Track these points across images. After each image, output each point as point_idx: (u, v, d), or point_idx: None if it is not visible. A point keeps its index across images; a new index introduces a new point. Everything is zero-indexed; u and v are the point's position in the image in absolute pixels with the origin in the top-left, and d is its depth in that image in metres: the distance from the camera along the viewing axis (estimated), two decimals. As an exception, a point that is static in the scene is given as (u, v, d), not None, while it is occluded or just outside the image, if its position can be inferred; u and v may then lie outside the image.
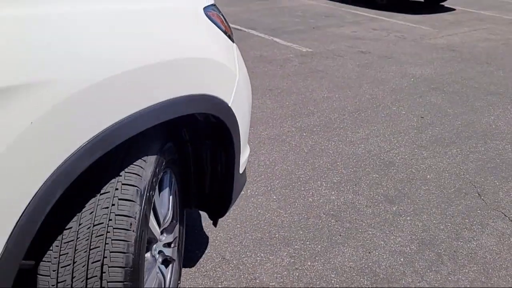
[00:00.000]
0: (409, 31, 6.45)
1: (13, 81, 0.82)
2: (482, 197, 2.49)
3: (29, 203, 0.87)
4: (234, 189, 1.65)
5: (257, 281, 1.81)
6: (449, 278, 1.89)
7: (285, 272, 1.86)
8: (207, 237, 2.04)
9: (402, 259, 1.99)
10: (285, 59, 4.76)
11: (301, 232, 2.11)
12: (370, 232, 2.15)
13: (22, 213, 0.87)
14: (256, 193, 2.39)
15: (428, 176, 2.66)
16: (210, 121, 1.46)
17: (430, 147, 3.02)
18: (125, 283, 1.06)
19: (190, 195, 1.70)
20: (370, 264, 1.95)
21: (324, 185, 2.51)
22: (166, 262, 1.51)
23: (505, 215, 2.34)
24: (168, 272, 1.51)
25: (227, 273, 1.84)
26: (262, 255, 1.96)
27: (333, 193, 2.44)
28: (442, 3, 8.97)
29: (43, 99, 0.86)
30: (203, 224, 2.13)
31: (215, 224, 1.79)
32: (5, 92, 0.80)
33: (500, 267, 1.98)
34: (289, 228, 2.14)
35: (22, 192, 0.86)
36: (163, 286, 1.45)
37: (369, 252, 2.02)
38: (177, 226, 1.61)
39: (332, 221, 2.21)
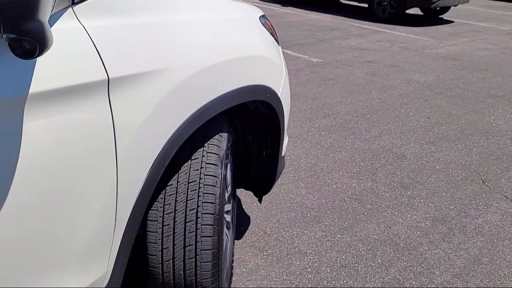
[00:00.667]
0: (411, 42, 6.82)
1: (152, 67, 1.15)
2: (486, 183, 2.80)
3: (155, 159, 1.19)
4: (278, 169, 1.97)
5: (296, 249, 2.11)
6: (460, 247, 2.20)
7: (319, 243, 2.17)
8: (249, 217, 2.35)
9: (418, 232, 2.29)
10: (298, 69, 5.11)
11: (329, 212, 2.42)
12: (389, 212, 2.45)
13: (151, 166, 1.19)
14: (286, 182, 2.71)
15: (437, 167, 2.98)
16: (259, 111, 1.78)
17: (437, 143, 3.34)
18: (213, 226, 1.37)
19: (238, 176, 2.02)
20: (391, 236, 2.25)
21: (345, 174, 2.82)
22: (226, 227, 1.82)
23: (507, 198, 2.65)
24: (228, 235, 1.82)
25: (270, 243, 2.15)
26: (297, 229, 2.26)
27: (354, 181, 2.76)
28: (441, 16, 9.38)
29: (168, 80, 1.18)
30: (244, 206, 2.44)
31: (260, 200, 2.10)
32: (147, 75, 1.13)
33: (504, 238, 2.28)
34: (318, 209, 2.45)
35: (152, 149, 1.18)
36: (227, 245, 1.76)
37: (390, 227, 2.32)
38: (232, 200, 1.92)
39: (355, 203, 2.52)
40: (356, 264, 2.04)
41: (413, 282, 1.95)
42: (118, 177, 1.09)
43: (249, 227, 2.27)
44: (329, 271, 1.99)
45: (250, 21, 1.65)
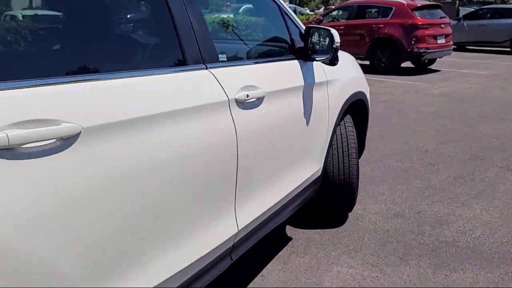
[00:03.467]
0: (410, 87, 8.57)
1: (337, 77, 2.71)
2: (483, 160, 4.33)
3: (337, 116, 2.73)
4: (364, 145, 3.50)
5: (377, 192, 3.59)
6: (473, 187, 3.69)
7: (389, 189, 3.65)
8: (342, 182, 3.82)
9: (446, 182, 3.79)
10: (332, 109, 6.75)
11: (388, 177, 3.92)
12: (426, 175, 3.95)
13: (336, 118, 2.72)
14: (356, 166, 4.20)
15: (450, 154, 4.51)
16: (355, 107, 3.33)
17: (447, 143, 4.89)
18: (355, 153, 2.88)
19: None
20: (430, 184, 3.74)
21: (392, 161, 4.34)
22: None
23: (497, 166, 4.17)
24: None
25: (360, 191, 3.62)
26: (373, 186, 3.75)
27: (399, 164, 4.27)
28: (429, 67, 11.28)
29: (337, 84, 2.74)
30: (336, 178, 3.92)
31: (354, 164, 3.60)
32: (336, 80, 2.69)
33: (498, 183, 3.78)
34: (382, 176, 3.94)
35: (337, 110, 2.71)
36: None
37: (428, 181, 3.81)
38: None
39: (404, 173, 4.03)
40: (415, 195, 3.52)
41: (449, 201, 3.42)
42: (328, 120, 2.63)
43: (345, 186, 3.74)
44: (399, 199, 3.46)
45: (353, 60, 3.26)
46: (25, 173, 1.03)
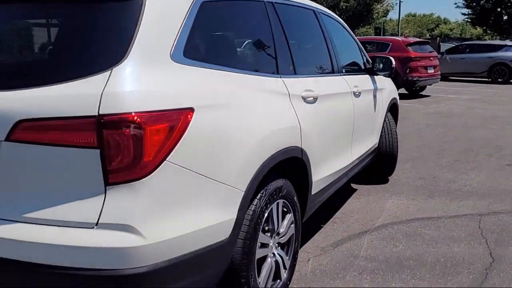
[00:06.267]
0: (408, 107, 10.39)
1: (384, 87, 4.41)
2: (473, 151, 6.05)
3: (387, 108, 4.41)
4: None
5: (405, 168, 5.25)
6: (468, 165, 5.37)
7: (411, 166, 5.31)
8: (377, 163, 5.50)
9: (450, 163, 5.47)
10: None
11: (409, 160, 5.59)
12: (435, 160, 5.64)
13: (386, 110, 4.40)
14: (384, 155, 5.88)
15: (449, 148, 6.23)
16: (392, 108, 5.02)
17: (446, 142, 6.62)
18: (396, 132, 4.56)
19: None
20: (439, 164, 5.41)
21: (409, 152, 6.03)
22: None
23: (484, 154, 5.90)
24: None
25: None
26: (400, 165, 5.39)
27: (414, 153, 5.96)
28: (421, 93, 13.19)
29: (386, 90, 4.44)
30: (373, 161, 5.59)
31: (388, 149, 5.28)
32: (384, 88, 4.38)
33: (484, 163, 5.48)
34: (405, 160, 5.61)
35: (386, 105, 4.39)
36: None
37: (437, 162, 5.49)
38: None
39: (419, 158, 5.71)
40: (430, 169, 5.18)
41: (453, 172, 5.10)
42: (382, 111, 4.31)
43: (380, 165, 5.41)
44: (420, 171, 5.12)
45: (389, 78, 4.97)
46: (311, 109, 2.69)
